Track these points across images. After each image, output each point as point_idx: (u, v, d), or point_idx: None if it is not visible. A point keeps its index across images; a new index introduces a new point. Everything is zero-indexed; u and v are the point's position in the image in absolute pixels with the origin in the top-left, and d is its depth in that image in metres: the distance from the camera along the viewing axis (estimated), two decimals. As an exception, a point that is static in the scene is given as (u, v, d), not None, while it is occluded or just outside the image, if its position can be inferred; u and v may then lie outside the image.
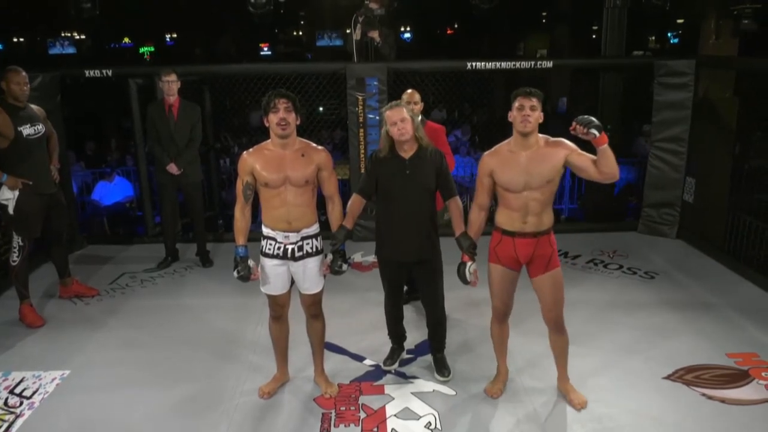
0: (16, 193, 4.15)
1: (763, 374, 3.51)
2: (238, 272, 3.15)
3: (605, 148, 2.84)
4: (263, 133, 3.22)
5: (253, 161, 3.08)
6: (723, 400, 3.29)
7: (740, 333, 4.01)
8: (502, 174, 3.02)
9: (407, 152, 3.25)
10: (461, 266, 3.19)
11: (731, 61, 5.75)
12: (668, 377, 3.52)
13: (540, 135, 3.02)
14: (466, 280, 3.19)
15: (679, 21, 15.99)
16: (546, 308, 3.16)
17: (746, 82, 5.37)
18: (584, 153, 2.97)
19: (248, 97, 6.09)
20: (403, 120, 3.16)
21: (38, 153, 4.28)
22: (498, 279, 3.16)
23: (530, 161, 2.97)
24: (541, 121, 2.97)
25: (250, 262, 3.16)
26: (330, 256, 3.22)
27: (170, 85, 5.00)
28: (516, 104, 2.94)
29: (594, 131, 2.80)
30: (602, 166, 2.87)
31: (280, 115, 3.00)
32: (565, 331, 3.23)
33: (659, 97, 5.74)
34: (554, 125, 4.12)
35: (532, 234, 3.03)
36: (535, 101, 2.92)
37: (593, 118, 2.83)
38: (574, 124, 2.84)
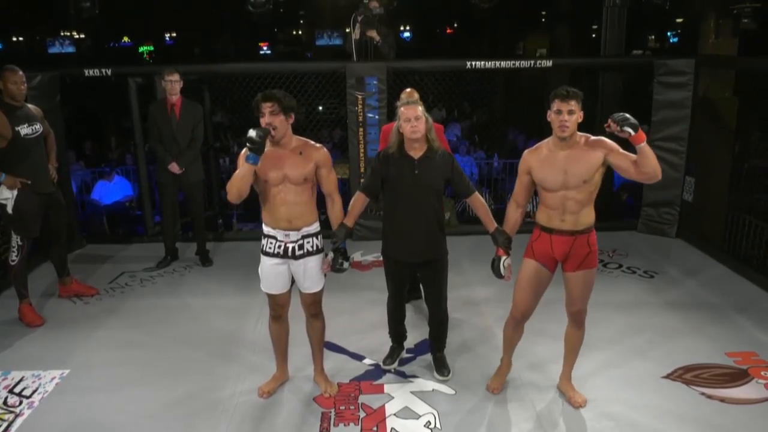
0: (15, 192, 4.15)
1: (762, 373, 3.51)
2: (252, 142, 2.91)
3: (644, 147, 2.79)
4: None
5: None
6: (722, 400, 3.29)
7: (739, 332, 4.01)
8: (539, 172, 3.01)
9: (417, 151, 3.23)
10: (495, 260, 3.17)
11: (731, 60, 5.75)
12: (667, 376, 3.52)
13: (581, 134, 2.97)
14: (500, 274, 3.17)
15: (679, 20, 16.00)
16: (570, 301, 3.15)
17: (746, 81, 5.37)
18: (625, 153, 2.91)
19: (249, 97, 6.08)
20: (417, 118, 3.15)
21: (36, 152, 4.27)
22: (528, 274, 3.12)
23: (568, 160, 2.94)
24: (580, 120, 2.91)
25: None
26: (331, 255, 3.21)
27: (173, 84, 5.00)
28: (554, 107, 2.88)
29: (629, 129, 2.75)
30: (642, 165, 2.82)
31: (266, 120, 2.97)
32: (583, 327, 3.22)
33: (659, 96, 5.74)
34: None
35: (569, 232, 3.00)
36: (573, 104, 2.85)
37: (629, 116, 2.78)
38: (609, 121, 2.80)
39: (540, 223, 3.09)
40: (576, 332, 3.24)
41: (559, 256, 3.06)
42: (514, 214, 3.19)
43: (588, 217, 3.02)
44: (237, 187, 2.99)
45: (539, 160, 3.01)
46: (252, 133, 2.92)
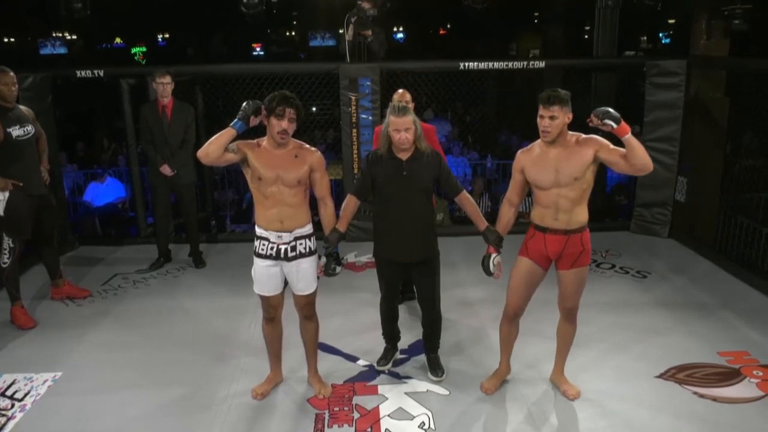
0: (7, 194, 4.12)
1: (754, 372, 3.53)
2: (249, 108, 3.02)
3: (629, 138, 2.83)
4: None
5: (248, 149, 3.07)
6: (715, 399, 3.31)
7: (731, 332, 4.03)
8: (531, 171, 3.05)
9: (405, 153, 3.25)
10: (486, 258, 3.20)
11: (722, 61, 5.78)
12: (660, 376, 3.53)
13: (572, 133, 3.01)
14: (490, 272, 3.19)
15: (671, 21, 16.08)
16: (563, 297, 3.19)
17: (737, 81, 5.40)
18: (615, 148, 2.94)
19: (242, 98, 6.07)
20: (407, 130, 3.17)
21: (28, 154, 4.25)
22: (521, 272, 3.16)
23: (559, 159, 2.98)
24: (569, 122, 2.95)
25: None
26: (323, 259, 3.22)
27: (164, 86, 4.98)
28: (539, 111, 2.94)
29: (610, 122, 2.79)
30: (631, 158, 2.85)
31: (284, 126, 2.99)
32: (575, 322, 3.26)
33: (651, 97, 5.77)
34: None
35: (562, 231, 3.04)
36: (555, 110, 2.89)
37: (610, 109, 2.81)
38: (591, 116, 2.84)
39: (534, 221, 3.12)
40: (568, 327, 3.28)
41: (553, 255, 3.09)
42: (507, 213, 3.21)
43: (581, 215, 3.05)
44: (213, 144, 2.97)
45: (531, 159, 3.06)
46: (249, 103, 2.99)
